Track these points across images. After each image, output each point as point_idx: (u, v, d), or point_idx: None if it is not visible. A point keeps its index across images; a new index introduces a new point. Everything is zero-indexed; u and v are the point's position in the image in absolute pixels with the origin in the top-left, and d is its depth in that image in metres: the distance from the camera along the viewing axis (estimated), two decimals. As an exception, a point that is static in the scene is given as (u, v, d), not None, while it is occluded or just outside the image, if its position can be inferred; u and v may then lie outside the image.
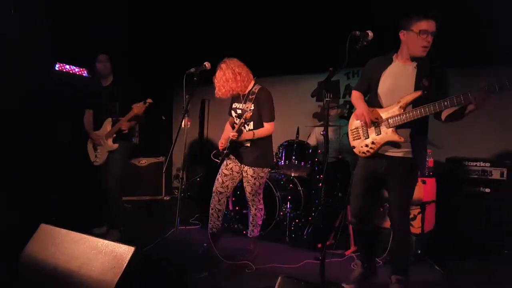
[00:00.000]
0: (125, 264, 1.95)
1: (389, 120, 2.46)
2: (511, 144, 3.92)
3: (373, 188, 2.69)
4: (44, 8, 4.28)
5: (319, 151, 4.56)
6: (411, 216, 3.42)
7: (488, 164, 3.62)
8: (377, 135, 2.53)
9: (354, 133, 2.68)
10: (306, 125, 5.10)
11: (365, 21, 2.54)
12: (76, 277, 2.03)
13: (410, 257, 2.70)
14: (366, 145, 2.57)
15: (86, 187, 4.62)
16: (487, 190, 3.59)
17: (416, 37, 2.35)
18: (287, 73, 5.37)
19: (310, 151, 4.25)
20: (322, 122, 4.93)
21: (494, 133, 3.99)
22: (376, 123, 2.53)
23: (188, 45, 5.24)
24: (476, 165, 3.67)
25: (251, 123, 3.26)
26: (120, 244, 2.04)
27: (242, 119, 3.06)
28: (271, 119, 3.26)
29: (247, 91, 3.30)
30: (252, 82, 3.32)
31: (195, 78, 2.88)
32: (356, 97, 2.70)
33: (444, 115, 2.43)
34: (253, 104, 3.21)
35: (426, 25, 2.33)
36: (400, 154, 2.51)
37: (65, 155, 4.64)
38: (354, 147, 2.67)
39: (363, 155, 2.60)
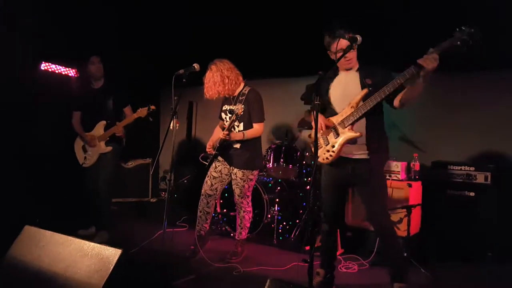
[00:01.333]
0: (112, 267, 1.92)
1: (344, 121, 2.57)
2: (495, 148, 4.00)
3: (341, 192, 2.79)
4: (30, 5, 4.20)
5: (307, 154, 4.58)
6: (398, 219, 3.47)
7: (472, 168, 3.67)
8: (336, 138, 2.61)
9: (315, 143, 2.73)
10: (294, 128, 5.12)
11: (354, 25, 2.57)
12: (61, 280, 1.99)
13: (404, 258, 2.67)
14: (328, 150, 2.64)
15: (71, 188, 4.56)
16: (472, 194, 3.64)
17: (336, 56, 2.53)
18: (276, 76, 5.37)
19: (298, 154, 4.26)
20: (310, 125, 4.95)
21: (479, 137, 4.07)
22: (333, 128, 2.63)
23: (176, 46, 5.21)
24: (461, 169, 3.73)
25: (241, 124, 3.27)
26: (107, 247, 2.01)
27: (234, 115, 3.05)
28: (261, 119, 3.27)
29: (237, 93, 3.31)
30: (242, 85, 3.33)
31: (184, 80, 2.86)
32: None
33: (397, 99, 2.49)
34: (243, 105, 3.21)
35: (337, 45, 2.51)
36: (364, 156, 2.59)
37: (50, 155, 4.55)
38: (318, 156, 2.69)
39: (327, 160, 2.65)
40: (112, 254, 1.96)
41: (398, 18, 3.59)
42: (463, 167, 3.72)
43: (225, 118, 3.39)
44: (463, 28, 2.16)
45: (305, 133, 4.99)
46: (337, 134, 2.60)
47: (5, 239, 2.28)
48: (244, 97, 3.25)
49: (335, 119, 2.64)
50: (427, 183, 3.82)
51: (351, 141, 2.58)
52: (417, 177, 3.77)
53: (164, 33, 5.19)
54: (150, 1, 4.82)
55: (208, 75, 3.25)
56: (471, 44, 2.13)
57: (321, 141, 2.70)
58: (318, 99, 2.18)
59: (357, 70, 2.63)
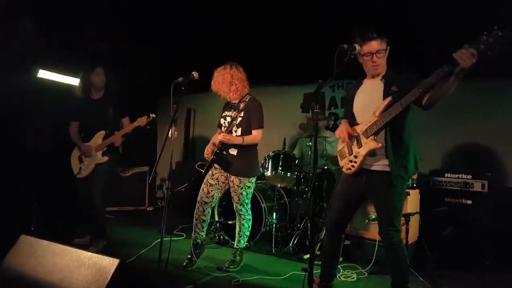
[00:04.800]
0: (109, 277, 1.90)
1: (367, 131, 2.51)
2: (492, 157, 4.02)
3: (349, 204, 2.68)
4: (29, 11, 4.20)
5: (305, 162, 4.59)
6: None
7: (469, 176, 3.69)
8: (359, 147, 2.55)
9: (341, 153, 2.72)
10: (292, 136, 5.13)
11: (351, 34, 2.58)
12: (57, 291, 1.96)
13: (407, 272, 2.59)
14: (350, 161, 2.59)
15: (67, 196, 4.53)
16: (469, 201, 3.66)
17: (365, 60, 2.51)
18: (274, 84, 5.40)
19: (296, 162, 4.26)
20: (308, 133, 4.96)
21: (476, 146, 4.09)
22: (356, 137, 2.58)
23: (174, 54, 5.23)
24: (458, 177, 3.75)
25: (239, 129, 3.27)
26: (104, 256, 1.99)
27: (235, 111, 3.04)
28: (260, 126, 3.29)
29: (237, 101, 3.33)
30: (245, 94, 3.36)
31: (182, 88, 2.86)
32: (342, 122, 2.77)
33: (426, 98, 2.33)
34: (243, 112, 3.24)
35: (367, 48, 2.48)
36: (379, 168, 2.50)
37: (46, 164, 4.53)
38: (342, 166, 2.69)
39: (349, 171, 2.60)
40: (110, 264, 1.94)
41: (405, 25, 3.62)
42: (460, 175, 3.74)
43: (224, 123, 3.40)
44: (491, 31, 1.93)
45: (303, 141, 5.00)
46: (360, 144, 2.54)
47: (0, 248, 2.24)
48: (244, 104, 3.27)
49: (359, 128, 2.58)
50: (425, 191, 3.83)
51: (373, 152, 2.49)
52: (414, 185, 3.77)
53: (162, 41, 5.21)
54: (148, 10, 4.84)
55: (221, 69, 3.31)
56: (497, 49, 1.91)
57: (345, 150, 2.67)
58: (317, 107, 2.18)
59: (381, 79, 2.55)
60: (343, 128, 2.62)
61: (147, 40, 5.15)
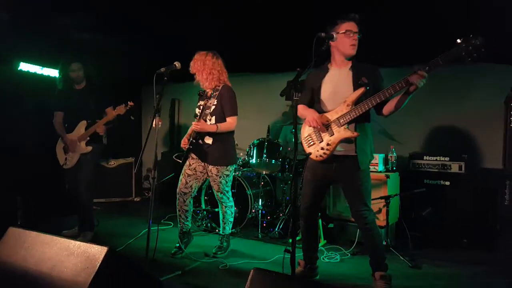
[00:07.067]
0: (98, 264, 1.94)
1: (340, 119, 2.58)
2: (468, 139, 4.16)
3: (319, 189, 2.80)
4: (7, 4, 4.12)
5: (289, 148, 4.66)
6: (377, 209, 3.57)
7: (447, 159, 3.82)
8: (331, 135, 2.62)
9: (308, 140, 2.77)
10: (276, 124, 5.18)
11: (332, 23, 2.63)
12: (47, 279, 2.00)
13: (383, 249, 2.77)
14: (322, 148, 2.65)
15: (53, 189, 4.52)
16: (447, 183, 3.79)
17: (344, 37, 2.56)
18: (257, 71, 5.42)
19: (280, 149, 4.33)
20: (291, 121, 5.02)
21: (453, 129, 4.23)
22: (327, 125, 2.63)
23: (155, 43, 5.19)
24: (436, 160, 3.88)
25: (213, 117, 3.29)
26: (93, 245, 2.02)
27: (205, 100, 3.08)
28: (234, 113, 3.30)
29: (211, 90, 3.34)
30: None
31: (165, 78, 2.87)
32: (302, 108, 2.80)
33: (386, 108, 2.54)
34: (216, 100, 3.26)
35: (349, 25, 2.55)
36: (347, 153, 2.62)
37: (31, 156, 4.50)
38: (310, 153, 2.73)
39: (320, 158, 2.66)
40: (98, 251, 1.98)
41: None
42: (438, 158, 3.87)
43: (198, 112, 3.41)
44: (468, 39, 2.12)
45: (287, 128, 5.06)
46: (332, 132, 2.61)
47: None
48: (217, 93, 3.29)
49: (329, 116, 2.63)
50: (405, 173, 3.95)
51: (347, 140, 2.58)
52: (394, 168, 3.89)
53: (144, 30, 5.15)
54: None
55: (204, 55, 3.30)
56: (475, 56, 2.11)
57: (313, 137, 2.71)
58: (297, 95, 2.24)
59: (350, 69, 2.63)
60: (314, 115, 2.64)
61: (128, 29, 5.09)
